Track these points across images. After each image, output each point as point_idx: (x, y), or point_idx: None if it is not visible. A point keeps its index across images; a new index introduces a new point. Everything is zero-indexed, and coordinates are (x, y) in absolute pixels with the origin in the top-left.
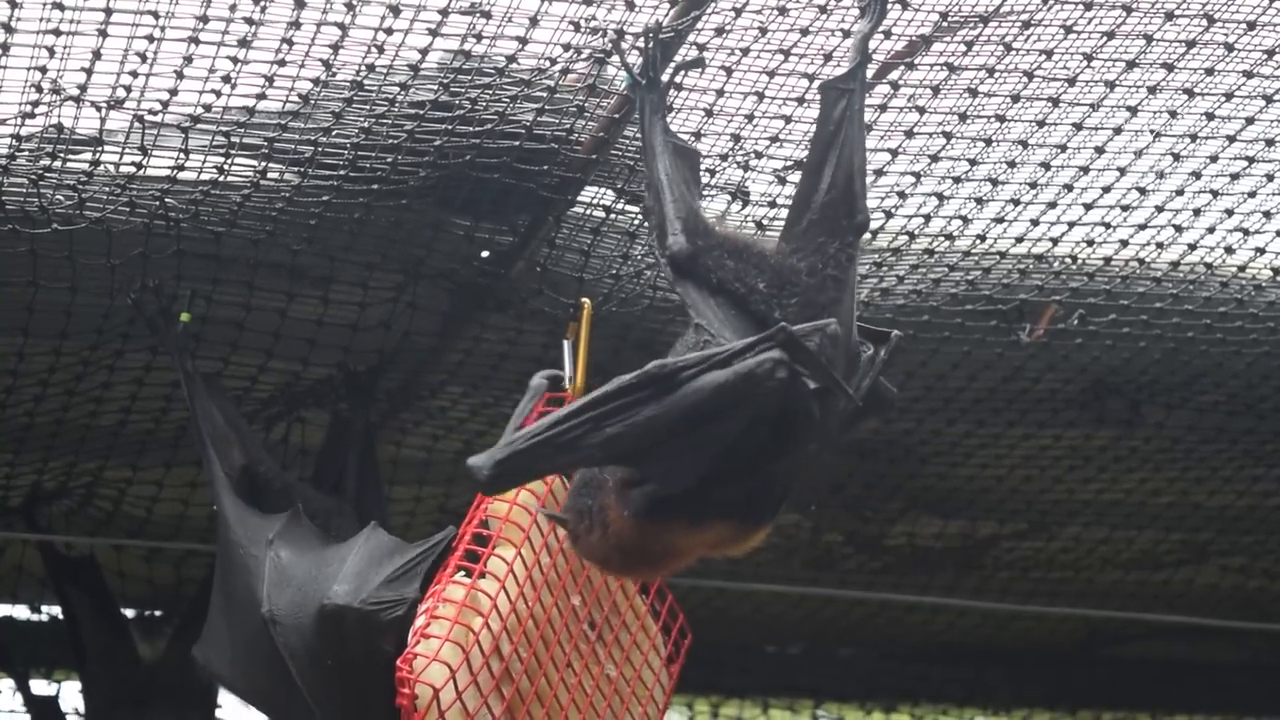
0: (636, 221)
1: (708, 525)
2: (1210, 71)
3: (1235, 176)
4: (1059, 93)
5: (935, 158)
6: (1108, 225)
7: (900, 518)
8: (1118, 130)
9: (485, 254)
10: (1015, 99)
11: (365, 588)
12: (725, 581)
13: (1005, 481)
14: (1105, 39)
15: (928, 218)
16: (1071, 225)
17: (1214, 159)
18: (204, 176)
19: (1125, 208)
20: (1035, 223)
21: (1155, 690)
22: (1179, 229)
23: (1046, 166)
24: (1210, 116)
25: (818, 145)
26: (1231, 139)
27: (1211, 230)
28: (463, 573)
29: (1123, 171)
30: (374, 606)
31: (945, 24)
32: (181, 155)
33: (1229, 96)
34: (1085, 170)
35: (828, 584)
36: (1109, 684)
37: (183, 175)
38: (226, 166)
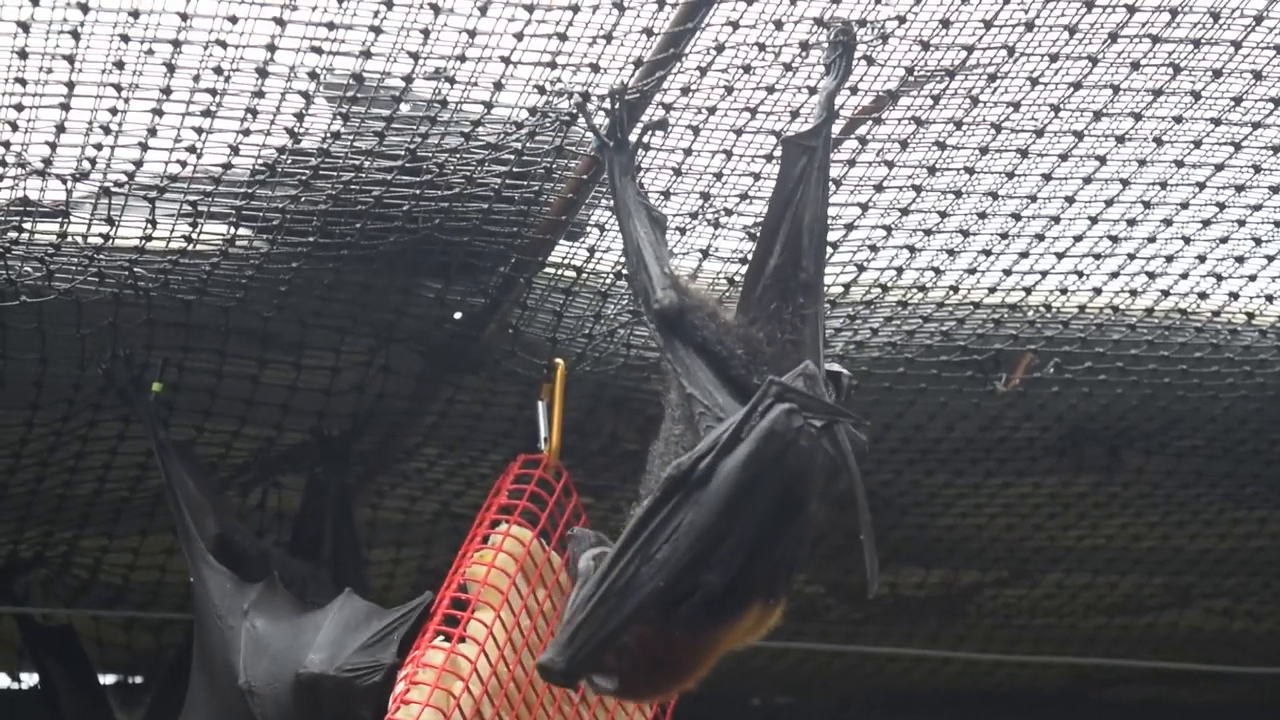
0: (608, 281)
1: (744, 614)
2: (1179, 119)
3: (1207, 223)
4: (1027, 144)
5: (905, 211)
6: (1080, 274)
7: (882, 568)
8: (1087, 179)
9: (457, 316)
10: (984, 151)
11: (341, 654)
12: None
13: (986, 530)
14: (1072, 90)
15: (900, 270)
16: (1044, 274)
17: (1184, 205)
18: (173, 245)
19: (1098, 256)
20: (1008, 272)
21: None
22: (1152, 275)
23: (1017, 217)
24: (1180, 164)
25: (775, 206)
26: (1202, 185)
27: (1185, 276)
28: (442, 637)
29: (1094, 220)
30: (349, 674)
31: (911, 79)
32: (149, 225)
33: (1198, 144)
34: (1056, 220)
35: (810, 635)
36: None
37: (151, 245)
38: (195, 235)
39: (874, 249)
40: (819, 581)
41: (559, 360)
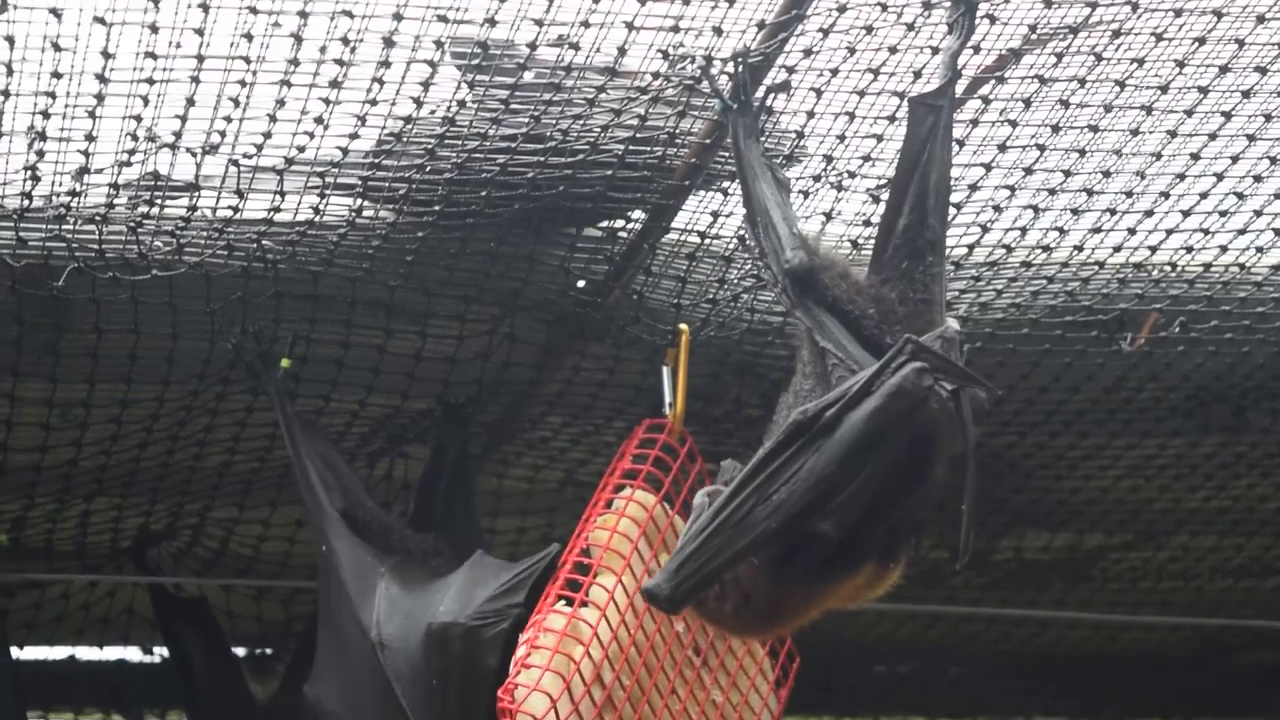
0: (732, 246)
1: (853, 573)
2: None
3: None
4: (1152, 100)
5: (1029, 170)
6: (1206, 231)
7: (1007, 532)
8: (1213, 136)
9: (581, 284)
10: (1108, 108)
11: (471, 604)
12: None
13: (1111, 492)
14: (1196, 45)
15: (1024, 230)
16: (1169, 233)
17: None
18: (300, 217)
19: (1223, 213)
20: (1132, 231)
21: (1268, 699)
22: (1278, 232)
23: (1142, 175)
24: None
25: (903, 165)
26: None
27: None
28: (563, 602)
29: (1219, 177)
30: (479, 621)
31: (1034, 37)
32: (277, 197)
33: None
34: (1181, 177)
35: (935, 601)
36: (1221, 693)
37: (279, 217)
38: (322, 207)
39: (998, 209)
40: (944, 546)
41: (683, 326)
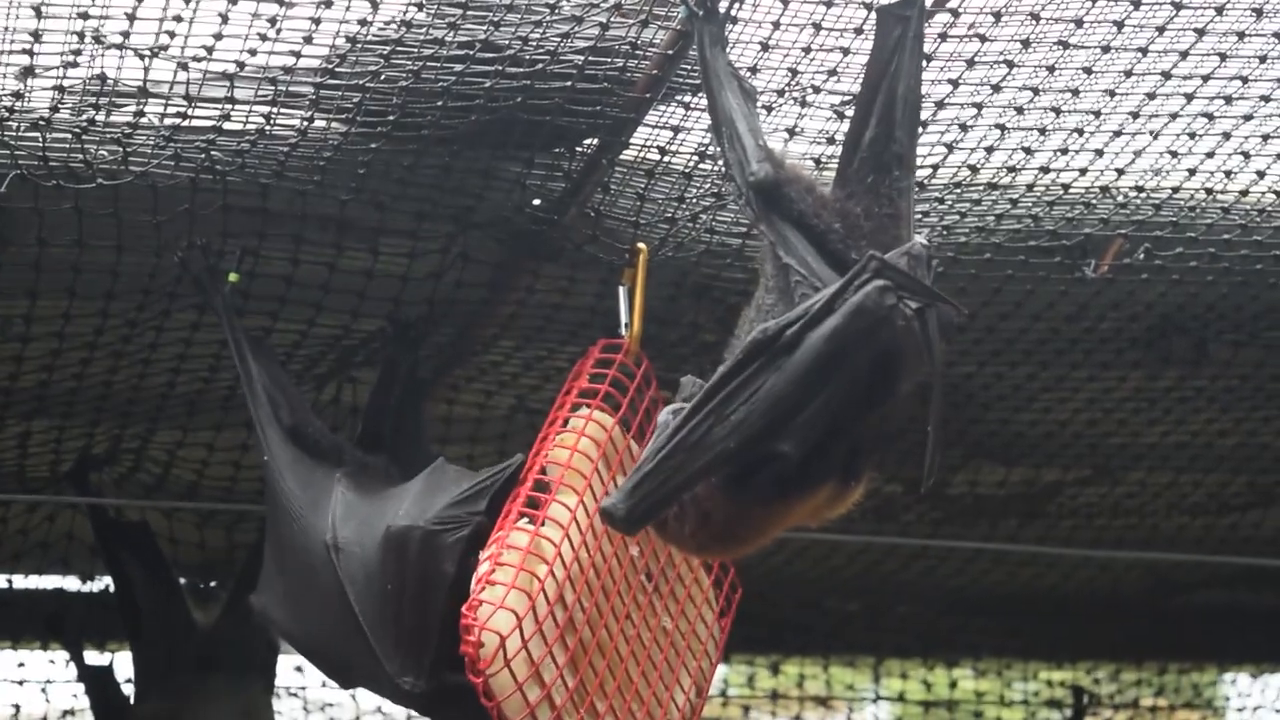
0: (692, 163)
1: (812, 492)
2: None
3: None
4: (1124, 16)
5: (997, 88)
6: (1174, 154)
7: (963, 466)
8: (1184, 54)
9: (537, 202)
10: (1079, 23)
11: (431, 509)
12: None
13: (1069, 426)
14: None
15: (990, 150)
16: (1137, 155)
17: None
18: (249, 127)
19: (1192, 135)
20: (1100, 153)
21: (1222, 641)
22: (1246, 156)
23: (1111, 94)
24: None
25: (870, 77)
26: None
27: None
28: (525, 519)
29: (1189, 97)
30: (439, 526)
31: None
32: (227, 105)
33: None
34: (1151, 96)
35: (888, 535)
36: (1175, 635)
37: (228, 126)
38: (272, 116)
39: (964, 128)
40: (898, 480)
41: (641, 245)
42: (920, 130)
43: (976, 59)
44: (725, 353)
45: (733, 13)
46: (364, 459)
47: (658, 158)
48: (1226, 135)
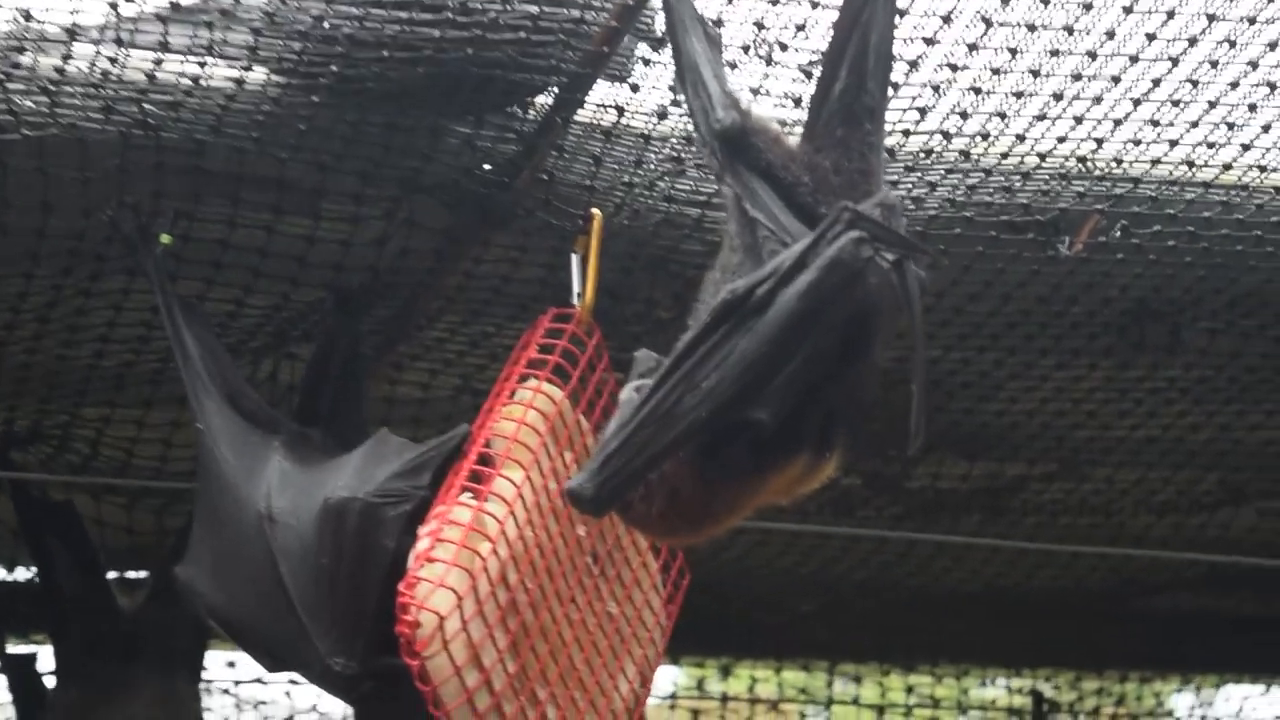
0: (652, 125)
1: (787, 463)
2: None
3: None
4: None
5: (974, 47)
6: (1155, 123)
7: (924, 458)
8: (1170, 14)
9: (487, 166)
10: None
11: (372, 481)
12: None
13: (1036, 416)
14: None
15: (965, 115)
16: (1117, 124)
17: (1273, 46)
18: (184, 80)
19: (1175, 103)
20: (1079, 120)
21: (1185, 649)
22: (1232, 127)
23: (1092, 55)
24: None
25: (841, 24)
26: None
27: (1267, 129)
28: (468, 494)
29: (1175, 61)
30: (380, 499)
31: None
32: (160, 51)
33: None
34: (1134, 59)
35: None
36: (1138, 642)
37: (161, 76)
38: (208, 65)
39: (937, 90)
40: (856, 472)
41: (596, 210)
42: (892, 86)
43: (952, 15)
44: (689, 319)
45: None
46: (302, 430)
47: (615, 118)
48: (1212, 103)
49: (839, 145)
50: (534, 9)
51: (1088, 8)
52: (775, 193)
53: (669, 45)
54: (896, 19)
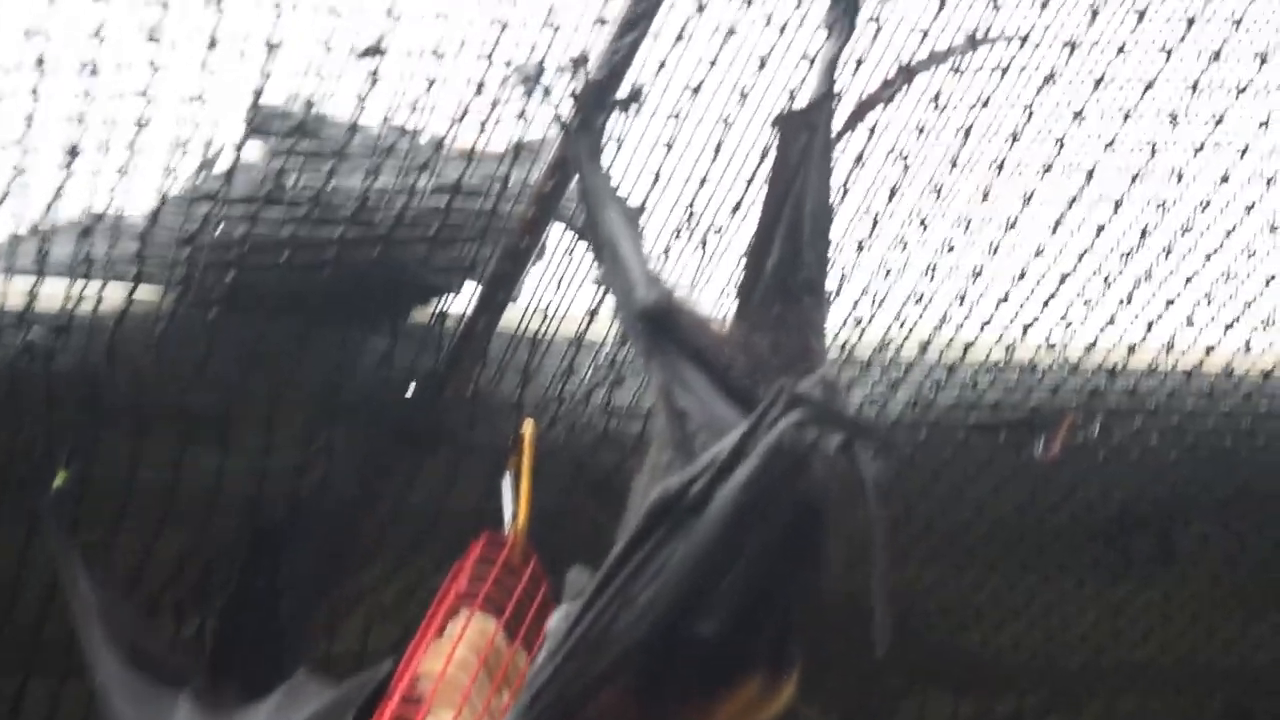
0: (581, 327)
1: (740, 684)
2: None
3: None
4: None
5: (926, 223)
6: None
7: (907, 693)
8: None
9: (412, 385)
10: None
11: None
12: None
13: (1023, 643)
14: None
15: (923, 299)
16: (1089, 305)
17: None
18: (70, 300)
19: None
20: (1046, 303)
21: None
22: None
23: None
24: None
25: (773, 192)
26: None
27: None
28: None
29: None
30: None
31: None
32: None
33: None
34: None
35: None
36: None
37: (45, 296)
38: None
39: (889, 273)
40: (835, 710)
41: (529, 421)
42: (831, 255)
43: (900, 187)
44: (618, 532)
45: (613, 121)
46: (215, 682)
47: (542, 322)
48: (1189, 279)
49: (776, 324)
50: (440, 202)
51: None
52: (707, 378)
53: (588, 228)
54: (833, 186)
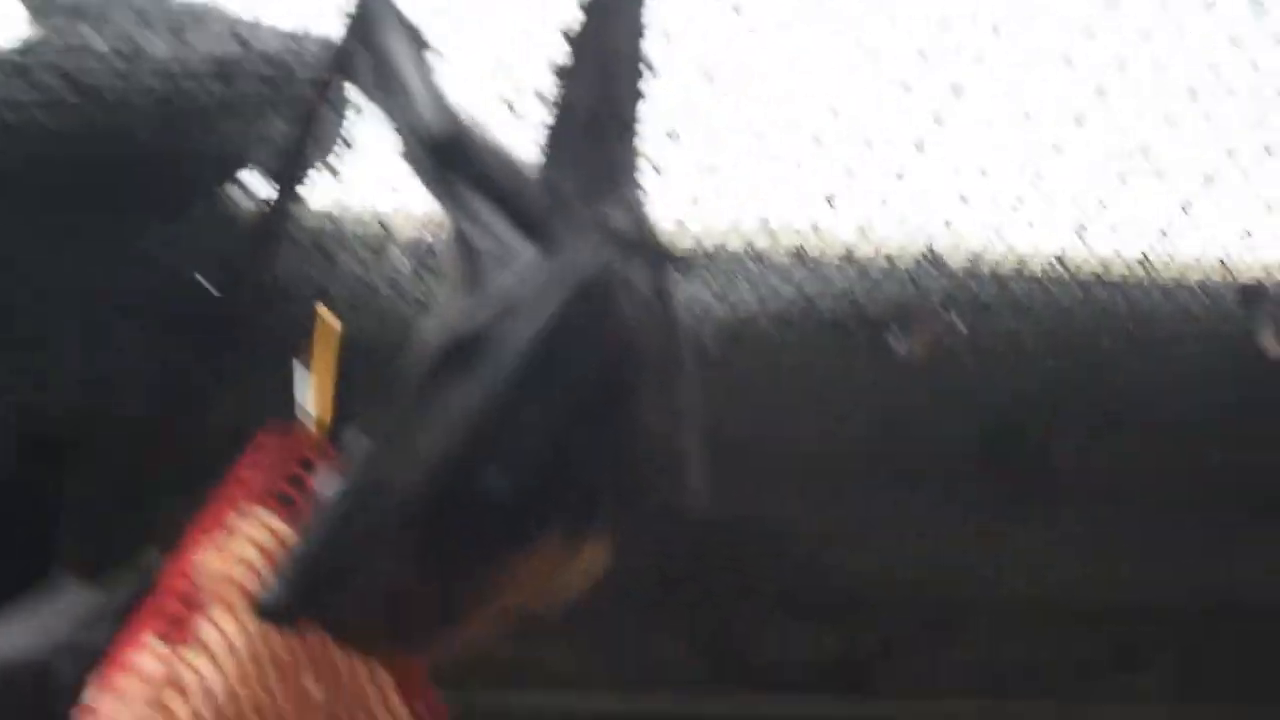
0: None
1: (538, 542)
2: None
3: None
4: None
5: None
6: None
7: (766, 623)
8: None
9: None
10: None
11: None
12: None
13: (892, 571)
14: None
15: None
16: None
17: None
18: None
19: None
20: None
21: None
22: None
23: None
24: None
25: (581, 34)
26: None
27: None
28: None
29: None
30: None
31: None
32: None
33: None
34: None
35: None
36: None
37: None
38: None
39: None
40: (691, 639)
41: (322, 308)
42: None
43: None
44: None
45: None
46: None
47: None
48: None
49: (581, 163)
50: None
51: None
52: (499, 206)
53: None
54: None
